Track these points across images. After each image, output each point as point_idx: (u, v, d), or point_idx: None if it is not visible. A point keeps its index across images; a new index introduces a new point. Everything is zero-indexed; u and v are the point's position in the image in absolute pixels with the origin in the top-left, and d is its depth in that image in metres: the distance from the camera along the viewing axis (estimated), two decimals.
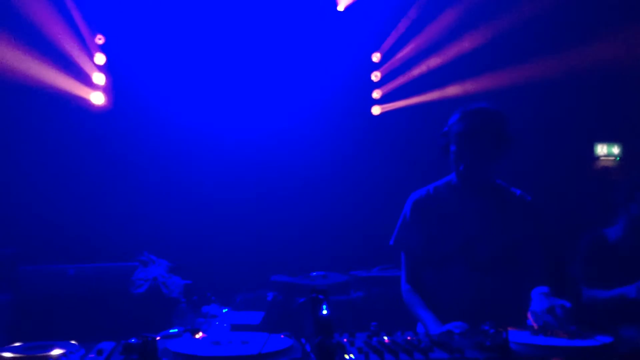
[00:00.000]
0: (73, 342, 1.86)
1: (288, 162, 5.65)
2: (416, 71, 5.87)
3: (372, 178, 5.70)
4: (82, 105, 5.47)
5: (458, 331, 1.93)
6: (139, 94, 5.56)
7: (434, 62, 5.79)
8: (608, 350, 1.82)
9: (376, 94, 6.09)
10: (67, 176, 5.30)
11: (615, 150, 5.83)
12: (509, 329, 1.79)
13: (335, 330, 1.72)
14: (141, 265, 4.71)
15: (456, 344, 1.79)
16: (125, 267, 4.65)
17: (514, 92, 5.29)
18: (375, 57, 6.08)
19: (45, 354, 1.73)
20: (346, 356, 1.65)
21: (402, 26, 5.85)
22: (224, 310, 4.10)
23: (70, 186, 5.28)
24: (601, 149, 5.84)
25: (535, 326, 2.00)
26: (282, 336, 1.89)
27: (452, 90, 5.69)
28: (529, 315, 2.07)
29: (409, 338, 1.85)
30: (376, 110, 6.08)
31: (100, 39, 5.55)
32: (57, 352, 1.73)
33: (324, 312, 1.64)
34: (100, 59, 5.58)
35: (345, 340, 1.84)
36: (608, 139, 5.83)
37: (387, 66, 6.03)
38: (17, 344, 1.84)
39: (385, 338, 1.85)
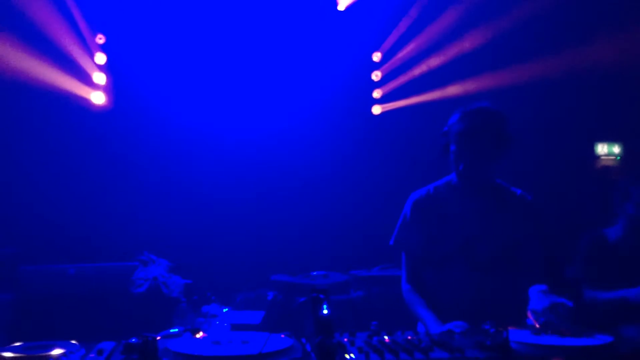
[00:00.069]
0: (73, 342, 1.86)
1: (288, 162, 5.65)
2: (417, 71, 5.87)
3: (372, 178, 5.70)
4: (83, 105, 5.47)
5: (458, 331, 1.93)
6: (139, 93, 5.57)
7: (434, 61, 5.79)
8: (608, 350, 1.82)
9: (376, 94, 6.09)
10: (68, 176, 5.31)
11: (615, 150, 5.83)
12: (510, 328, 1.79)
13: (336, 330, 1.72)
14: (141, 264, 4.71)
15: (457, 343, 1.79)
16: (126, 266, 4.65)
17: (514, 92, 5.29)
18: (376, 56, 6.08)
19: (45, 353, 1.73)
20: (346, 356, 1.65)
21: (402, 26, 5.85)
22: (224, 310, 4.10)
23: (70, 186, 5.28)
24: (601, 149, 5.84)
25: (537, 325, 2.00)
26: (282, 336, 1.89)
27: (452, 90, 5.69)
28: (529, 314, 2.07)
29: (409, 337, 1.85)
30: (376, 109, 6.08)
31: (100, 39, 5.55)
32: (57, 352, 1.73)
33: (325, 311, 1.64)
34: (100, 58, 5.58)
35: (345, 339, 1.84)
36: (608, 139, 5.83)
37: (388, 66, 6.03)
38: (17, 344, 1.84)
39: (386, 337, 1.86)
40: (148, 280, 4.54)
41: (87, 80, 5.50)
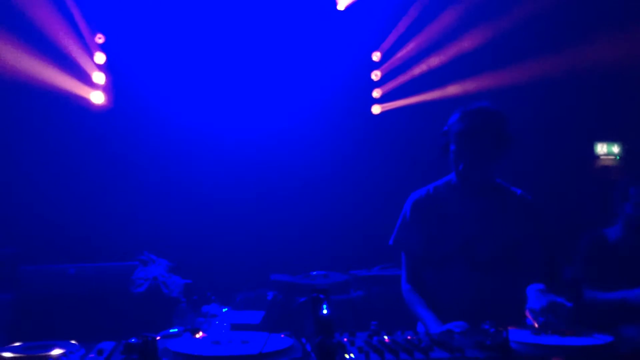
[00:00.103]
0: (73, 341, 1.85)
1: (288, 162, 5.65)
2: (416, 70, 5.87)
3: (372, 178, 5.70)
4: (82, 105, 5.47)
5: (458, 330, 1.93)
6: (139, 93, 5.57)
7: (434, 61, 5.79)
8: (608, 350, 1.82)
9: (376, 93, 6.09)
10: (68, 176, 5.31)
11: (615, 149, 5.84)
12: (509, 328, 1.79)
13: (336, 330, 1.72)
14: (141, 264, 4.71)
15: (456, 343, 1.79)
16: (125, 266, 4.65)
17: (514, 92, 5.29)
18: (376, 56, 6.08)
19: (45, 353, 1.72)
20: (346, 356, 1.65)
21: (402, 25, 5.85)
22: (224, 310, 4.09)
23: (70, 186, 5.28)
24: (601, 149, 5.84)
25: (536, 324, 2.00)
26: (282, 336, 1.89)
27: (452, 90, 5.69)
28: (527, 313, 2.06)
29: (409, 337, 1.85)
30: (376, 109, 6.08)
31: (100, 38, 5.55)
32: (57, 352, 1.73)
33: (325, 311, 1.64)
34: (100, 58, 5.58)
35: (345, 339, 1.84)
36: (608, 139, 5.84)
37: (388, 65, 6.03)
38: (17, 344, 1.83)
39: (386, 337, 1.85)
40: (148, 280, 4.54)
41: (86, 79, 5.50)
